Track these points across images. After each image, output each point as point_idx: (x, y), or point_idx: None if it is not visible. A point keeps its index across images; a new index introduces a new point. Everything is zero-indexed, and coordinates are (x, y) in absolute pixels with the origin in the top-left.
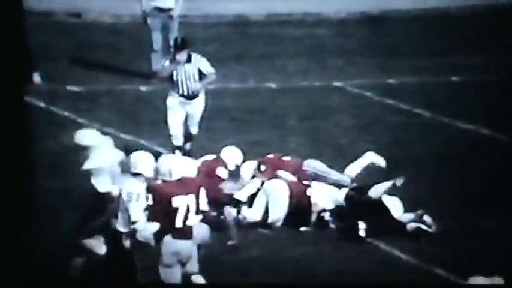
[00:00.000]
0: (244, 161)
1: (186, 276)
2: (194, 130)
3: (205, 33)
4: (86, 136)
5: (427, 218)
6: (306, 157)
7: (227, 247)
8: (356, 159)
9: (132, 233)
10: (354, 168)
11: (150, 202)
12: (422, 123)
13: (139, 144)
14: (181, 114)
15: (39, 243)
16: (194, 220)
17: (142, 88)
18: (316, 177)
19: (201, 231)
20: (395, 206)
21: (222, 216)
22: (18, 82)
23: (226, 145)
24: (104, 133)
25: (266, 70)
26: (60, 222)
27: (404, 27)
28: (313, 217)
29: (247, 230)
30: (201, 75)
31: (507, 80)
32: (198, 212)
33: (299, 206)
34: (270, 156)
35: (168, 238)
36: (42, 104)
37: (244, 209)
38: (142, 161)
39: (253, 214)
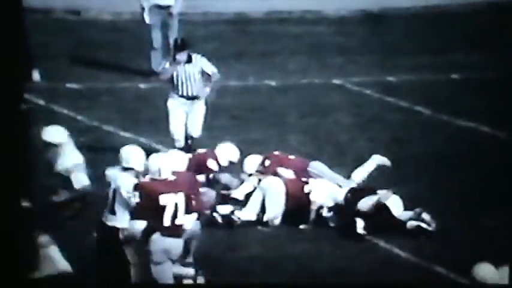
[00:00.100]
0: (244, 157)
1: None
2: (197, 132)
3: (205, 31)
4: (54, 133)
5: (425, 216)
6: (305, 155)
7: (226, 245)
8: (356, 157)
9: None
10: (361, 174)
11: (137, 200)
12: (422, 121)
13: (139, 142)
14: (183, 116)
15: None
16: (188, 220)
17: (142, 86)
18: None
19: (192, 225)
20: (395, 205)
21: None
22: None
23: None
24: (103, 131)
25: (266, 68)
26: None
27: (404, 25)
28: (312, 215)
29: (246, 228)
30: (203, 75)
31: (507, 77)
32: (188, 211)
33: (297, 204)
34: (276, 153)
35: (156, 236)
36: (41, 102)
37: (237, 211)
38: (133, 155)
39: (247, 214)
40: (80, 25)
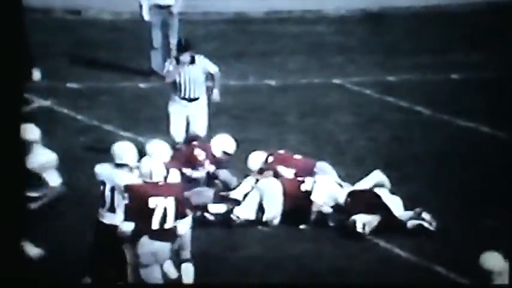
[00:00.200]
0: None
1: (179, 263)
2: (202, 132)
3: (205, 31)
4: (27, 130)
5: (426, 216)
6: (305, 155)
7: (226, 245)
8: (356, 157)
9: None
10: (360, 187)
11: (127, 201)
12: (422, 120)
13: (139, 141)
14: (184, 120)
15: (39, 244)
16: (181, 226)
17: (142, 85)
18: None
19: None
20: (395, 205)
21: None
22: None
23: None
24: (103, 130)
25: (266, 67)
26: (58, 220)
27: (404, 24)
28: (313, 215)
29: (245, 228)
30: (206, 76)
31: (507, 77)
32: (179, 216)
33: (296, 203)
34: (282, 151)
35: (144, 239)
36: (41, 101)
37: (237, 208)
38: (127, 151)
39: (246, 213)
40: (80, 25)
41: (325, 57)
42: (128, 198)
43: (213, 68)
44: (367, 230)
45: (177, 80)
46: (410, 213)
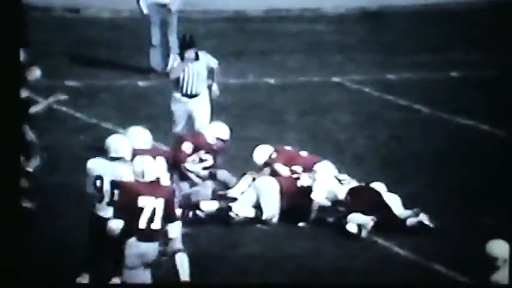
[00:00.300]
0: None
1: (172, 254)
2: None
3: (204, 29)
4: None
5: (423, 216)
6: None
7: (225, 244)
8: (355, 155)
9: None
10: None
11: (116, 198)
12: (422, 119)
13: None
14: (186, 118)
15: (39, 243)
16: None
17: (141, 84)
18: None
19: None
20: (394, 203)
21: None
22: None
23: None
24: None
25: (265, 66)
26: (58, 219)
27: (403, 23)
28: (313, 214)
29: (244, 227)
30: (209, 72)
31: (506, 76)
32: (169, 219)
33: (293, 201)
34: (288, 147)
35: (132, 240)
36: (40, 100)
37: (235, 206)
38: (122, 144)
39: (244, 211)
40: (79, 23)
41: (324, 56)
42: (118, 194)
43: (214, 62)
44: (364, 233)
45: (181, 77)
46: (408, 212)
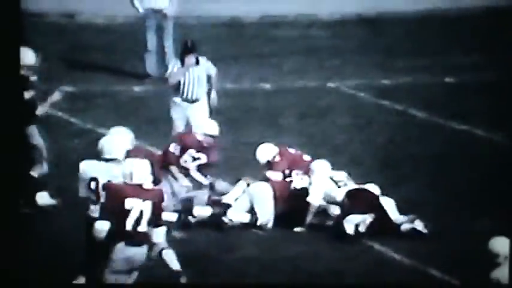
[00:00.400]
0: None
1: (159, 253)
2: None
3: (200, 35)
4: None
5: (418, 223)
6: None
7: (221, 247)
8: (351, 160)
9: None
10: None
11: (102, 199)
12: (418, 123)
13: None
14: (185, 123)
15: (35, 246)
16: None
17: (137, 88)
18: None
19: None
20: (391, 208)
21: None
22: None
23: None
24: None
25: (261, 71)
26: (57, 220)
27: (399, 28)
28: (309, 217)
29: (241, 230)
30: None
31: (503, 80)
32: (156, 224)
33: (288, 205)
34: (292, 150)
35: (120, 245)
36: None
37: (229, 212)
38: (116, 146)
39: (237, 216)
40: (74, 28)
41: (320, 61)
42: (105, 196)
43: (212, 69)
44: (362, 228)
45: (182, 81)
46: (404, 218)
